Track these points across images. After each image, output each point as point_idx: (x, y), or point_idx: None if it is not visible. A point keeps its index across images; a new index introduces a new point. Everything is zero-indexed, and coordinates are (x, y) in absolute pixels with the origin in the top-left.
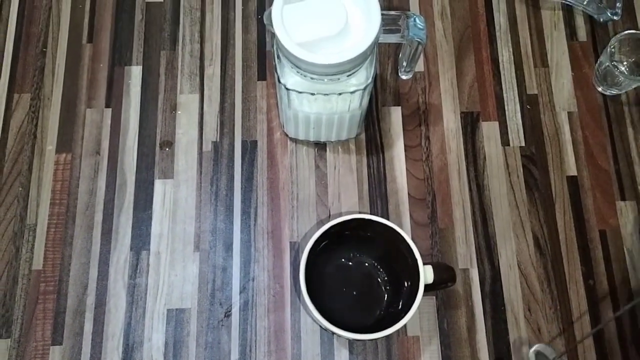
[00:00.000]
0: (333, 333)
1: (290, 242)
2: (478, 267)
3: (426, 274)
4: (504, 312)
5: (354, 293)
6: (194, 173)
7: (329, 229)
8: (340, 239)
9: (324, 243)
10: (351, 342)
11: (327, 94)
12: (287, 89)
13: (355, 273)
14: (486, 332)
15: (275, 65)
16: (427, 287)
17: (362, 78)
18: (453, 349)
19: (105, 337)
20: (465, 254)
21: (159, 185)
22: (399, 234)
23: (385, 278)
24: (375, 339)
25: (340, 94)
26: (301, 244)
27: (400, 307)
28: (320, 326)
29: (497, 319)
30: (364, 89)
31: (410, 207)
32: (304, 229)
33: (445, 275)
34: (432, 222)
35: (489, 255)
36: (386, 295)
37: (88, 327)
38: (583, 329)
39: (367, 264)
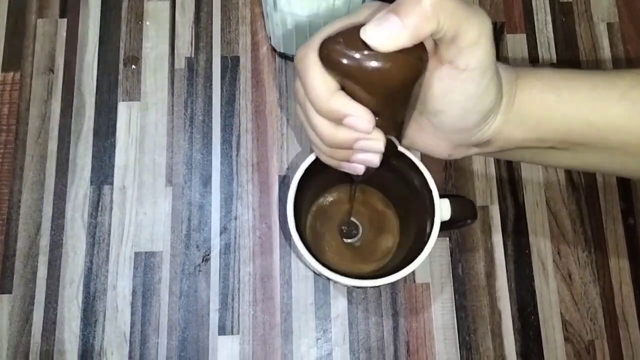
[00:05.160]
0: (329, 279)
1: (279, 176)
2: (499, 203)
3: (442, 209)
4: (529, 255)
5: (355, 232)
6: (165, 94)
7: None
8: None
9: (319, 173)
10: (350, 290)
11: None
12: None
13: (356, 209)
14: (508, 278)
15: None
16: (443, 225)
17: None
18: (469, 298)
19: (62, 285)
20: (484, 189)
21: (123, 108)
22: (409, 159)
23: (392, 214)
24: (379, 286)
25: None
26: (291, 177)
27: (409, 249)
28: (314, 272)
29: (521, 263)
30: None
31: None
32: (296, 160)
33: (465, 211)
34: None
35: (512, 190)
36: (393, 234)
37: (42, 272)
38: (621, 275)
39: (370, 198)
